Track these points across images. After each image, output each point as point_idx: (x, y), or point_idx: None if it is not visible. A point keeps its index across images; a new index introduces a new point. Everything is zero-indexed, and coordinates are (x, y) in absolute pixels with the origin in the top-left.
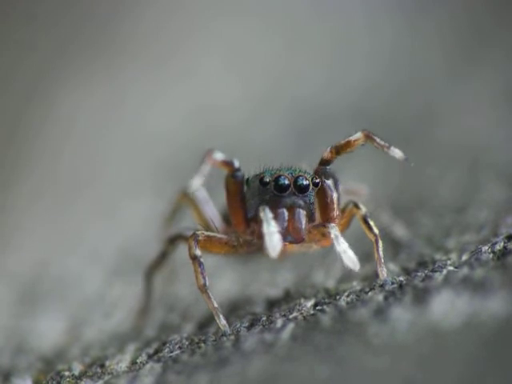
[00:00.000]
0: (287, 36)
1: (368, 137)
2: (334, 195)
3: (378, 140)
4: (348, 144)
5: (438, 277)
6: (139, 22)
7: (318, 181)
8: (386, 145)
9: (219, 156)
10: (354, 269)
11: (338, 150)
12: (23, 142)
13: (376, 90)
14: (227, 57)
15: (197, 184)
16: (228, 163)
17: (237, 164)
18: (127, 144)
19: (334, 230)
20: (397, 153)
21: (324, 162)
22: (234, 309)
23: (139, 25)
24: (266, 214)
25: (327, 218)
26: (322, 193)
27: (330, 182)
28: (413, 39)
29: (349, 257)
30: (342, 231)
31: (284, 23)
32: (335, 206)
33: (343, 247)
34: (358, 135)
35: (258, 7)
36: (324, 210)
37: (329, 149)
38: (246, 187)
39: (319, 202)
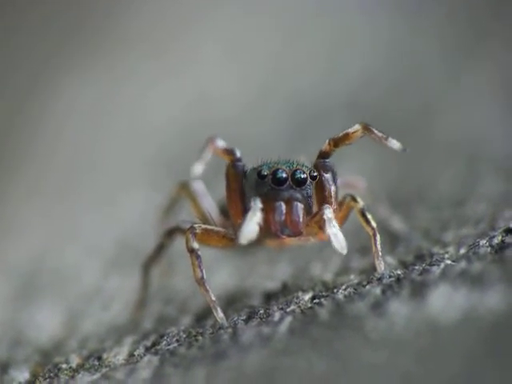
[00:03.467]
0: (286, 28)
1: (366, 129)
2: (332, 188)
3: (375, 132)
4: (346, 136)
5: (436, 270)
6: (138, 13)
7: (315, 174)
8: (384, 136)
9: (221, 143)
10: (341, 252)
11: (337, 143)
12: (20, 134)
13: (374, 83)
14: (225, 48)
15: (198, 169)
16: (229, 151)
17: (238, 154)
18: (125, 135)
19: (328, 212)
20: (394, 144)
21: (323, 155)
22: (231, 302)
23: (138, 16)
24: (256, 204)
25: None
26: (320, 186)
27: (328, 175)
28: (411, 32)
29: (338, 240)
30: (340, 225)
31: (283, 15)
32: (333, 199)
33: (334, 230)
34: (356, 127)
35: None
36: (322, 203)
37: (327, 141)
38: (244, 180)
39: (317, 195)
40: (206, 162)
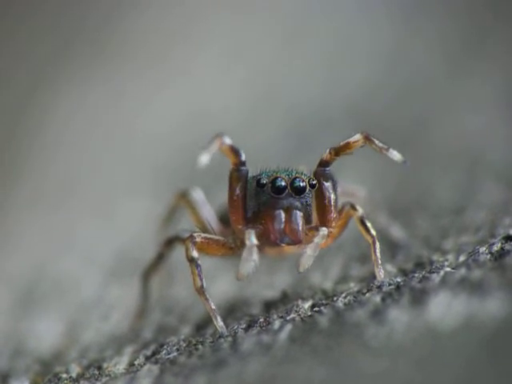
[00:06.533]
0: (286, 37)
1: (367, 138)
2: (332, 197)
3: (376, 142)
4: (347, 145)
5: (436, 278)
6: (136, 23)
7: (314, 182)
8: (385, 147)
9: (228, 140)
10: (299, 269)
11: (337, 152)
12: (20, 143)
13: (375, 92)
14: (225, 58)
15: (204, 160)
16: (235, 151)
17: (243, 156)
18: (124, 145)
19: (320, 237)
20: (395, 155)
21: (323, 164)
22: (231, 310)
23: (136, 26)
24: (251, 241)
25: (324, 220)
26: (320, 194)
27: (328, 183)
28: (412, 39)
29: (306, 262)
30: (340, 232)
31: (282, 24)
32: (332, 207)
33: (311, 253)
34: (357, 137)
35: (256, 7)
36: (321, 212)
37: (328, 150)
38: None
39: (317, 204)
40: (212, 154)
